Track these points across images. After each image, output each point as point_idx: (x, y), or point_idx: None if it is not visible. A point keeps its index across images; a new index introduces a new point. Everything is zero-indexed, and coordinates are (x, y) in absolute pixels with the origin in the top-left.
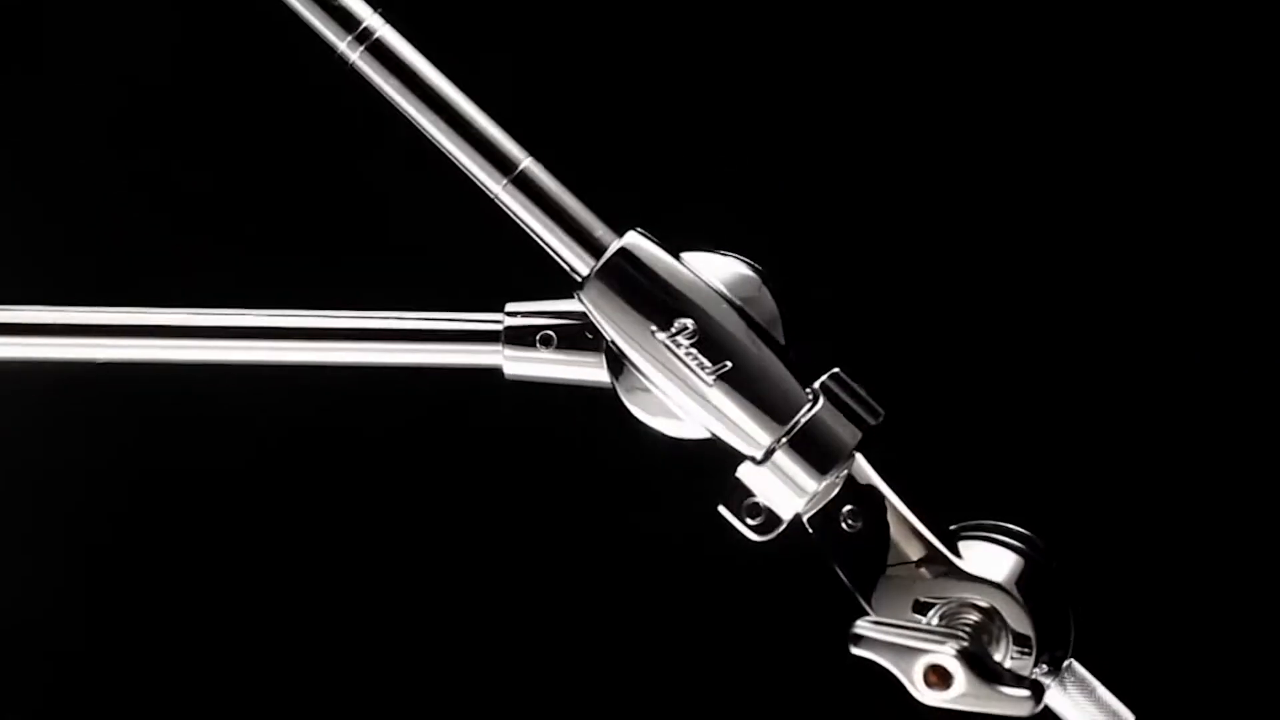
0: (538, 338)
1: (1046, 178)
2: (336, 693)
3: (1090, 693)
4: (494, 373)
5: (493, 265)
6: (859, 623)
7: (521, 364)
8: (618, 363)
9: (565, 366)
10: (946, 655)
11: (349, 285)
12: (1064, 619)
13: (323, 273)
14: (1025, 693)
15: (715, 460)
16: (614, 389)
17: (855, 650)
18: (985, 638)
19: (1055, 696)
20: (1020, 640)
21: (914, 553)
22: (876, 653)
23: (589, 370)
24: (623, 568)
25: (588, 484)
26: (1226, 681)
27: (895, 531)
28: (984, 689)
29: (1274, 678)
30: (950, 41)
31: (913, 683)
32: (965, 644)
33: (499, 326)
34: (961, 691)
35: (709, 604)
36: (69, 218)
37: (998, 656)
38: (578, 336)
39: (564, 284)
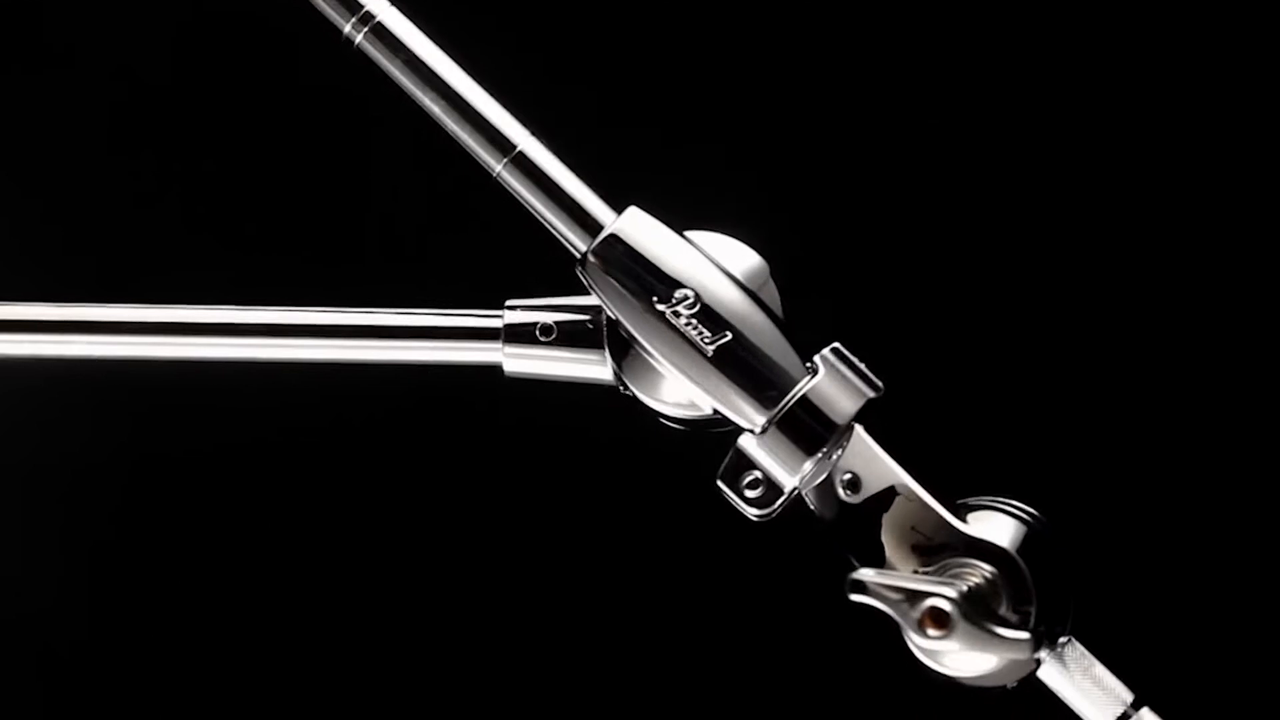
0: (537, 328)
1: (1043, 172)
2: (339, 691)
3: (1089, 671)
4: (493, 370)
5: (492, 264)
6: (859, 570)
7: (521, 361)
8: (621, 346)
9: (565, 363)
10: (944, 599)
11: (349, 284)
12: (1065, 595)
13: (323, 272)
14: (1024, 634)
15: (717, 458)
16: (617, 374)
17: (854, 597)
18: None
19: (1054, 674)
20: (1020, 607)
21: (915, 520)
22: (875, 598)
23: (589, 367)
24: (622, 568)
25: (587, 483)
26: (1227, 665)
27: (897, 500)
28: (981, 633)
29: (1274, 665)
30: (950, 41)
31: (911, 627)
32: (965, 589)
33: (498, 323)
34: (959, 637)
35: (708, 601)
36: (69, 218)
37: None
38: (579, 332)
39: (564, 285)
